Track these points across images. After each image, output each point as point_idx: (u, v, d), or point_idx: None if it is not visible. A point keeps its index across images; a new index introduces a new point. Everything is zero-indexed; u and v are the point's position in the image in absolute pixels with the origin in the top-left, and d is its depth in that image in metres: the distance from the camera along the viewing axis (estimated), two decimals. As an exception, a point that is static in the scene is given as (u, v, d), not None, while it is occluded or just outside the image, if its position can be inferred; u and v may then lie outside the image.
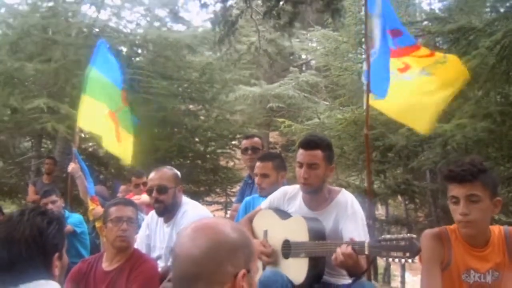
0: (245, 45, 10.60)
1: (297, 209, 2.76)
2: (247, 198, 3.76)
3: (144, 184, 4.90)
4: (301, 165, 2.64)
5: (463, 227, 2.17)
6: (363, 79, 4.50)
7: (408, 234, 2.13)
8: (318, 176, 2.62)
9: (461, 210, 2.12)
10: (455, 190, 2.15)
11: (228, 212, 10.84)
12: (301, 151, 2.68)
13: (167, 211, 3.19)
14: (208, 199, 11.67)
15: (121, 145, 5.02)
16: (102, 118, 5.01)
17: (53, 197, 4.95)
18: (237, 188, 10.96)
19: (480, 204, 2.11)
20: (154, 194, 3.16)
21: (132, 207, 2.91)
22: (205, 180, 10.84)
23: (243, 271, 1.26)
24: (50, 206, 4.79)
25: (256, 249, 2.64)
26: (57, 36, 7.97)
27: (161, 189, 3.15)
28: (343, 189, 2.78)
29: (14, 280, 1.68)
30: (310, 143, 2.66)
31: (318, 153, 2.63)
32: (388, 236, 2.19)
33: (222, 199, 12.73)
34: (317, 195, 2.70)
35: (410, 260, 2.08)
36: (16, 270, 1.69)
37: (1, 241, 1.73)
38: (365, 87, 4.51)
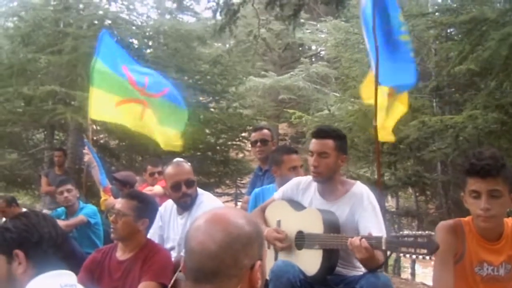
0: (245, 34, 10.52)
1: (312, 200, 2.78)
2: (256, 190, 3.76)
3: (160, 173, 4.90)
4: (312, 154, 2.69)
5: (483, 221, 2.12)
6: (372, 64, 4.48)
7: (427, 232, 2.11)
8: (328, 165, 2.66)
9: (483, 205, 2.07)
10: (476, 184, 2.09)
11: (239, 203, 10.90)
12: (313, 140, 2.74)
13: (192, 203, 3.21)
14: (219, 190, 11.73)
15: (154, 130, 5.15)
16: (114, 108, 5.05)
17: (69, 186, 4.97)
18: (247, 179, 11.00)
19: (501, 199, 2.08)
20: (183, 189, 3.15)
21: (130, 201, 2.88)
22: (216, 171, 10.90)
23: (258, 262, 1.26)
24: (65, 194, 4.84)
25: (269, 236, 2.69)
26: (69, 29, 8.01)
27: (190, 183, 3.18)
28: (358, 181, 2.80)
29: None
30: (321, 133, 2.73)
31: (329, 142, 2.67)
32: (406, 232, 2.18)
33: (232, 191, 12.82)
34: (330, 185, 2.72)
35: (427, 257, 2.07)
36: None
37: None
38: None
